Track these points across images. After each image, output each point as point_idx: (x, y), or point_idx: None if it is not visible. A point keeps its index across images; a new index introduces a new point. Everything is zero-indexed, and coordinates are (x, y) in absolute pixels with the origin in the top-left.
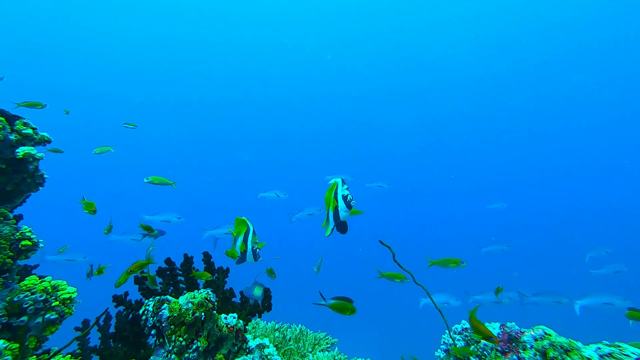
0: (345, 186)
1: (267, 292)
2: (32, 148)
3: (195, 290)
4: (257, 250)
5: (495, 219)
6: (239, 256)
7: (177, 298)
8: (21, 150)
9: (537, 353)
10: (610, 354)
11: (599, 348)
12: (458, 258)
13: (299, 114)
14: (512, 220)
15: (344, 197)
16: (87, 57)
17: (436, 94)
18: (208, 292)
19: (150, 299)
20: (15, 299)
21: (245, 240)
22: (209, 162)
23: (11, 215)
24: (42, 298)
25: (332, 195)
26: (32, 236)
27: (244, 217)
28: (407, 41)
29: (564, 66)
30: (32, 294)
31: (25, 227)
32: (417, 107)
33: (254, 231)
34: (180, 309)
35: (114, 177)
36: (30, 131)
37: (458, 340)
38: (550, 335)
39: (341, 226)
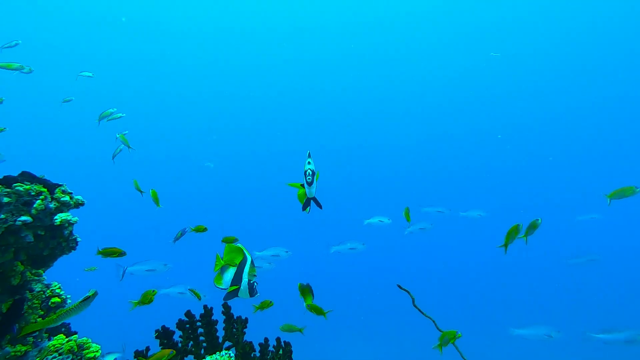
0: (309, 160)
1: (287, 347)
2: (68, 214)
3: (217, 353)
4: (255, 284)
5: (587, 233)
6: (227, 292)
7: (198, 352)
8: (59, 217)
9: None
10: None
11: None
12: (631, 186)
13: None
14: (609, 234)
15: (304, 173)
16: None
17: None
18: (230, 355)
19: None
20: None
21: (240, 273)
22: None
23: (43, 274)
24: (69, 359)
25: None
26: (60, 292)
27: (240, 245)
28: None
29: None
30: (60, 354)
31: (55, 283)
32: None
33: (252, 262)
34: None
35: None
36: (67, 198)
37: None
38: None
39: (315, 202)
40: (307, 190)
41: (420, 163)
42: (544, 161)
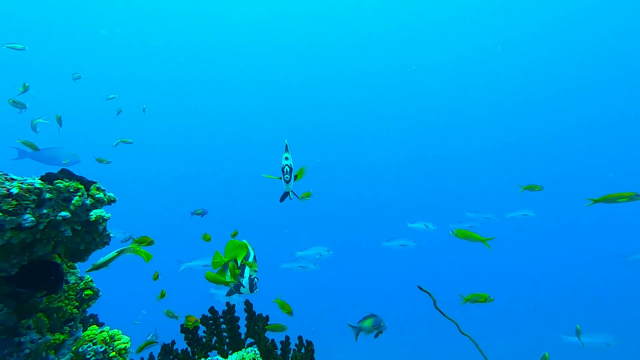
0: (286, 154)
1: (309, 346)
2: (103, 210)
3: (243, 350)
4: (255, 280)
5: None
6: (229, 288)
7: (222, 348)
8: (94, 213)
9: None
10: None
11: None
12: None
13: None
14: None
15: (282, 170)
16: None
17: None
18: (255, 352)
19: None
20: (80, 350)
21: (242, 268)
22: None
23: (77, 267)
24: (102, 349)
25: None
26: (93, 285)
27: (244, 241)
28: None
29: None
30: (94, 344)
31: (87, 276)
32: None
33: (254, 257)
34: None
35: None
36: (101, 195)
37: None
38: None
39: (293, 194)
40: (284, 185)
41: (469, 168)
42: (600, 161)
